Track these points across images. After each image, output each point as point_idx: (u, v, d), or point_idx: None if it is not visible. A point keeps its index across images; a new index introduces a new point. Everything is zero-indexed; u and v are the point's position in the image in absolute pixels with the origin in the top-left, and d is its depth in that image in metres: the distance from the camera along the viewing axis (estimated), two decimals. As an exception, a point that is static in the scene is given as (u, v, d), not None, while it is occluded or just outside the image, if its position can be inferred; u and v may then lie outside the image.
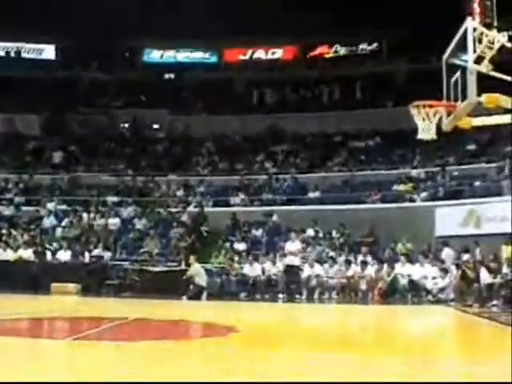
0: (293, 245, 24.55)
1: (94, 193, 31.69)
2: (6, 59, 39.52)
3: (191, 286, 22.21)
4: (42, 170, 34.12)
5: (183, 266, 23.94)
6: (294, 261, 23.82)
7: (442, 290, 21.94)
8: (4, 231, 27.47)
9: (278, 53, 40.65)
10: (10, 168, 33.88)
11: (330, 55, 40.16)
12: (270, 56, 40.73)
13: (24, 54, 40.16)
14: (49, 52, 40.27)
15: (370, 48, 39.82)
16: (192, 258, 23.18)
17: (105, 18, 34.34)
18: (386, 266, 23.22)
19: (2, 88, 35.38)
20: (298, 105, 38.44)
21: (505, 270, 20.88)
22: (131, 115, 39.20)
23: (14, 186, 32.40)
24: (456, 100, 12.68)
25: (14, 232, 27.42)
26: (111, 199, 31.09)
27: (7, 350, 9.30)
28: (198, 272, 22.60)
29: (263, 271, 24.05)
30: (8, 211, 30.13)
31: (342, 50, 40.13)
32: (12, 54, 39.77)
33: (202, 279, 22.54)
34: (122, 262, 25.67)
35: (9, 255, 25.55)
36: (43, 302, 17.00)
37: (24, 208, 30.36)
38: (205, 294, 22.27)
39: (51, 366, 8.04)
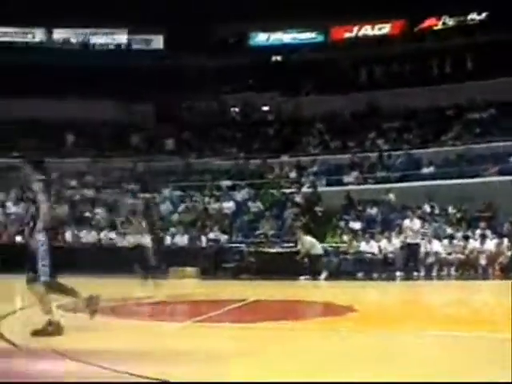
0: (412, 222, 24.22)
1: (207, 178, 32.11)
2: (117, 51, 40.40)
3: (306, 260, 22.30)
4: (156, 157, 34.82)
5: (299, 247, 24.00)
6: (414, 238, 23.50)
7: None
8: (122, 218, 28.23)
9: (385, 28, 40.03)
10: (125, 156, 34.72)
11: (439, 27, 39.25)
12: (376, 32, 40.15)
13: (134, 46, 40.94)
14: (157, 42, 40.93)
15: (479, 18, 38.69)
16: (300, 233, 23.24)
17: (209, 5, 34.61)
18: (506, 240, 22.65)
19: (117, 78, 36.24)
20: (407, 80, 37.79)
21: None
22: (241, 99, 39.49)
23: (130, 174, 33.17)
24: None
25: (131, 219, 28.12)
26: (225, 183, 31.46)
27: (131, 333, 9.55)
28: (311, 244, 22.64)
29: (380, 249, 23.87)
30: (126, 199, 30.88)
31: (451, 22, 39.12)
32: (122, 46, 40.60)
33: (317, 249, 22.61)
34: (238, 245, 25.99)
35: (127, 241, 26.27)
36: (162, 286, 17.34)
37: (141, 195, 31.06)
38: (325, 274, 22.27)
39: (172, 349, 8.17)
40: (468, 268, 22.94)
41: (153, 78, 37.44)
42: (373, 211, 27.71)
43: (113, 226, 27.94)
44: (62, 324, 8.90)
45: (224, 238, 26.40)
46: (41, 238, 9.02)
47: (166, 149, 35.99)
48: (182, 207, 29.47)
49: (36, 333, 8.70)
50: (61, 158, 31.40)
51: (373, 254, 23.83)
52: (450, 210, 26.52)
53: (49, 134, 34.85)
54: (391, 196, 27.94)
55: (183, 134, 37.09)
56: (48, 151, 32.08)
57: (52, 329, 8.79)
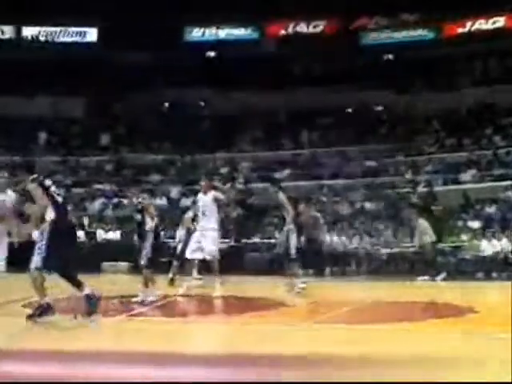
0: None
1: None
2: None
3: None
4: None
5: (415, 240, 23.60)
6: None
7: None
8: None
9: (499, 21, 39.03)
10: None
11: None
12: (490, 26, 39.17)
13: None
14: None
15: None
16: (415, 216, 22.88)
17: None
18: None
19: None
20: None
21: None
22: (354, 98, 39.23)
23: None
24: None
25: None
26: (340, 182, 31.54)
27: (251, 335, 9.70)
28: (425, 228, 22.16)
29: (501, 249, 23.39)
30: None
31: None
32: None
33: (430, 235, 22.16)
34: (354, 246, 25.89)
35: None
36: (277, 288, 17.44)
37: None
38: (443, 275, 21.85)
39: (287, 352, 8.28)
40: None
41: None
42: (491, 210, 27.17)
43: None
44: (52, 305, 9.64)
45: (339, 239, 26.37)
46: (41, 231, 9.69)
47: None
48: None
49: (29, 317, 9.60)
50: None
51: (496, 253, 23.35)
52: None
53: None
54: (510, 194, 27.34)
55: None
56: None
57: (40, 311, 9.58)
